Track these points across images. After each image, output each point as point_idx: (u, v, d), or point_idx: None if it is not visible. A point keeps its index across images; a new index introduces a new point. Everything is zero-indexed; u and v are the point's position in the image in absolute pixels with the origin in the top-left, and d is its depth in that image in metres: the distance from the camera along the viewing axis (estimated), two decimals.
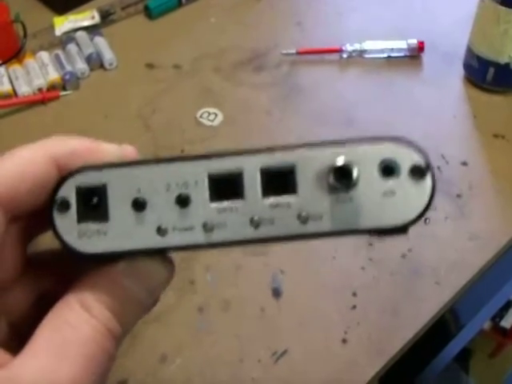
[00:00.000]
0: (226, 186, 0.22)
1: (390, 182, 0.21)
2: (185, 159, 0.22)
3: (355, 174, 0.20)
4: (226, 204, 0.21)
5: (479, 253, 0.54)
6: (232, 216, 0.21)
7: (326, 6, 0.84)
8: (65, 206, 0.22)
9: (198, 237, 0.22)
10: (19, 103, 0.70)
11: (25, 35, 0.74)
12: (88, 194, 0.22)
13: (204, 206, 0.22)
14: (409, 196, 0.21)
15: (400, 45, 0.74)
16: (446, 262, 0.54)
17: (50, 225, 0.22)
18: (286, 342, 0.50)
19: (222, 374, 0.48)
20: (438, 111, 0.68)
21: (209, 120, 0.68)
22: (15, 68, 0.72)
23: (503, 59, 0.66)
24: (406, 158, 0.21)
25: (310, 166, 0.21)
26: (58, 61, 0.73)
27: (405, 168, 0.21)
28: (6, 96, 0.70)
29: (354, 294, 0.52)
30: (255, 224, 0.21)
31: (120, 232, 0.22)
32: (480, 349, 1.20)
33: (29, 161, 0.22)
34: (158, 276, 0.23)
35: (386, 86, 0.71)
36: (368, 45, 0.74)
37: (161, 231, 0.22)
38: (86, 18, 0.79)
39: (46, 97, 0.70)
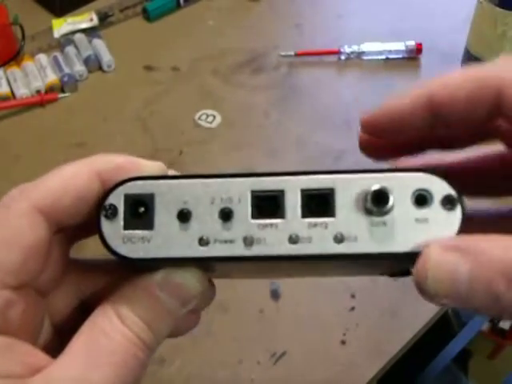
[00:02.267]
0: (267, 204, 0.23)
1: (423, 210, 0.22)
2: (231, 176, 0.23)
3: (391, 199, 0.22)
4: (266, 221, 0.23)
5: None
6: (272, 232, 0.23)
7: (324, 8, 0.84)
8: (113, 212, 0.23)
9: (238, 250, 0.23)
10: (17, 105, 0.70)
11: (23, 37, 0.74)
12: (135, 203, 0.23)
13: (245, 222, 0.23)
14: (440, 224, 0.22)
15: (398, 46, 0.74)
16: None
17: (97, 229, 0.23)
18: (285, 344, 0.50)
19: (221, 376, 0.48)
20: None
21: (207, 122, 0.68)
22: (13, 70, 0.72)
23: None
24: (439, 189, 0.22)
25: (349, 190, 0.22)
26: (56, 63, 0.73)
27: (437, 198, 0.22)
28: (5, 98, 0.70)
29: (353, 296, 0.53)
30: (293, 241, 0.22)
31: (163, 240, 0.23)
32: (479, 350, 1.20)
33: (73, 175, 0.23)
34: (191, 290, 0.24)
35: (384, 88, 0.72)
36: (366, 46, 0.74)
37: (203, 242, 0.23)
38: (84, 20, 0.79)
39: (44, 99, 0.70)
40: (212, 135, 0.67)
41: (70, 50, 0.75)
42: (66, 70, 0.72)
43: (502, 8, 0.63)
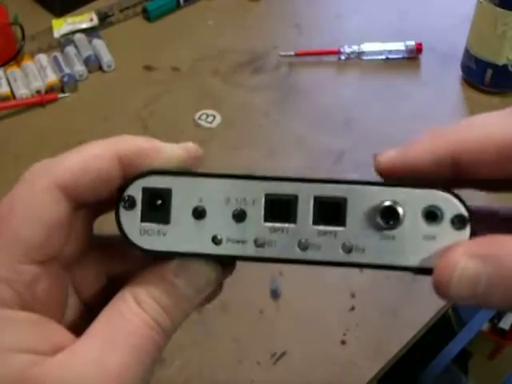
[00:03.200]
0: (280, 208, 0.23)
1: (432, 227, 0.22)
2: (246, 178, 0.23)
3: (401, 214, 0.22)
4: (278, 225, 0.23)
5: None
6: (282, 236, 0.23)
7: (324, 8, 0.84)
8: (131, 204, 0.24)
9: (249, 250, 0.23)
10: (17, 105, 0.70)
11: (23, 37, 0.74)
12: (153, 196, 0.24)
13: (258, 224, 0.23)
14: (447, 242, 0.22)
15: (398, 46, 0.74)
16: None
17: (115, 219, 0.24)
18: (285, 344, 0.50)
19: (221, 376, 0.48)
20: (436, 112, 0.68)
21: (207, 122, 0.68)
22: (13, 70, 0.72)
23: (501, 61, 0.66)
24: (451, 207, 0.22)
25: (361, 201, 0.23)
26: (56, 63, 0.73)
27: (448, 216, 0.22)
28: (5, 98, 0.70)
29: (353, 296, 0.53)
30: (302, 247, 0.23)
31: (178, 235, 0.24)
32: (479, 350, 1.20)
33: (94, 155, 0.24)
34: (206, 277, 0.25)
35: (384, 88, 0.72)
36: (366, 46, 0.74)
37: (216, 240, 0.24)
38: (84, 20, 0.79)
39: (44, 99, 0.70)
40: (212, 135, 0.67)
41: (70, 50, 0.75)
42: (66, 70, 0.72)
43: (502, 8, 0.63)
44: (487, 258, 0.20)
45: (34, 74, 0.72)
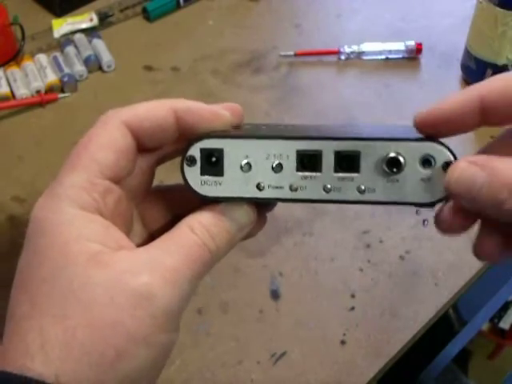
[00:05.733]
0: (308, 161, 0.29)
1: (428, 171, 0.28)
2: (281, 138, 0.29)
3: (402, 163, 0.28)
4: (307, 173, 0.29)
5: None
6: (311, 182, 0.29)
7: (324, 8, 0.84)
8: (192, 161, 0.30)
9: (286, 194, 0.30)
10: (17, 105, 0.70)
11: (23, 37, 0.74)
12: (209, 155, 0.30)
13: (292, 173, 0.29)
14: (439, 183, 0.28)
15: (398, 46, 0.74)
16: (444, 263, 0.54)
17: (181, 173, 0.30)
18: (285, 344, 0.50)
19: (221, 376, 0.48)
20: None
21: None
22: (13, 70, 0.72)
23: (501, 61, 0.66)
24: (442, 156, 0.28)
25: (371, 153, 0.28)
26: (56, 63, 0.73)
27: (439, 162, 0.28)
28: (4, 98, 0.70)
29: (353, 296, 0.53)
30: (327, 190, 0.29)
31: (231, 184, 0.30)
32: (479, 350, 1.20)
33: (154, 107, 0.30)
34: (245, 217, 0.31)
35: (384, 88, 0.72)
36: (366, 46, 0.74)
37: (260, 187, 0.30)
38: (84, 20, 0.79)
39: (44, 99, 0.70)
40: None
41: (70, 50, 0.75)
42: (66, 70, 0.72)
43: (502, 8, 0.63)
44: (484, 166, 0.26)
45: (33, 74, 0.72)
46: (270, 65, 0.75)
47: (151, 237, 0.32)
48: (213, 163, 0.30)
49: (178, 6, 0.83)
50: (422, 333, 0.51)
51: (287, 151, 0.29)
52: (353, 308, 0.52)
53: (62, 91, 0.72)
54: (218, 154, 0.30)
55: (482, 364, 1.21)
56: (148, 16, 0.81)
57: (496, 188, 0.26)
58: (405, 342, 0.50)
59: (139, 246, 0.29)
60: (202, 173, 0.30)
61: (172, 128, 0.30)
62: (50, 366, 0.25)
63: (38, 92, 0.71)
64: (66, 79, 0.71)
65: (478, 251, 0.30)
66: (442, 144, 0.28)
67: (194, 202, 0.31)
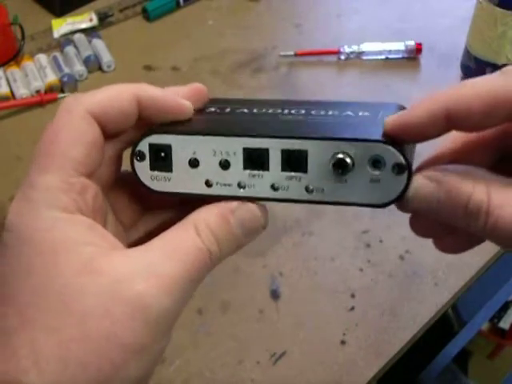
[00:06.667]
0: (255, 159, 0.28)
1: (377, 172, 0.27)
2: (227, 135, 0.29)
3: (349, 165, 0.27)
4: (255, 171, 0.29)
5: (477, 254, 0.54)
6: (258, 180, 0.29)
7: (324, 8, 0.84)
8: (142, 156, 0.29)
9: (234, 191, 0.29)
10: (17, 105, 0.70)
11: (23, 37, 0.74)
12: (158, 150, 0.29)
13: (239, 171, 0.29)
14: (389, 185, 0.27)
15: (398, 46, 0.74)
16: (444, 263, 0.54)
17: (131, 168, 0.30)
18: (285, 344, 0.50)
19: (221, 376, 0.48)
20: None
21: None
22: (13, 70, 0.72)
23: (501, 60, 0.66)
24: (391, 157, 0.27)
25: (319, 153, 0.28)
26: (56, 63, 0.73)
27: (389, 164, 0.27)
28: (4, 98, 0.70)
29: (353, 296, 0.53)
30: (275, 188, 0.29)
31: (180, 180, 0.29)
32: (479, 350, 1.19)
33: (117, 94, 0.29)
34: (254, 223, 0.29)
35: (384, 88, 0.72)
36: (366, 46, 0.74)
37: (208, 183, 0.29)
38: (84, 20, 0.79)
39: (44, 99, 0.70)
40: None
41: (70, 50, 0.75)
42: (66, 70, 0.72)
43: (502, 8, 0.63)
44: (439, 182, 0.26)
45: (33, 74, 0.72)
46: (270, 65, 0.75)
47: (124, 227, 0.32)
48: (162, 158, 0.29)
49: (177, 6, 0.83)
50: (421, 333, 0.51)
51: (234, 148, 0.28)
52: (353, 308, 0.52)
53: (62, 91, 0.72)
54: (167, 149, 0.29)
55: (482, 364, 1.21)
56: (148, 16, 0.81)
57: (453, 207, 0.26)
58: (405, 342, 0.50)
59: (115, 235, 0.28)
60: (152, 168, 0.30)
61: (136, 115, 0.30)
62: (46, 382, 0.24)
63: (38, 92, 0.71)
64: (65, 79, 0.71)
65: (437, 245, 0.31)
66: (393, 145, 0.27)
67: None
